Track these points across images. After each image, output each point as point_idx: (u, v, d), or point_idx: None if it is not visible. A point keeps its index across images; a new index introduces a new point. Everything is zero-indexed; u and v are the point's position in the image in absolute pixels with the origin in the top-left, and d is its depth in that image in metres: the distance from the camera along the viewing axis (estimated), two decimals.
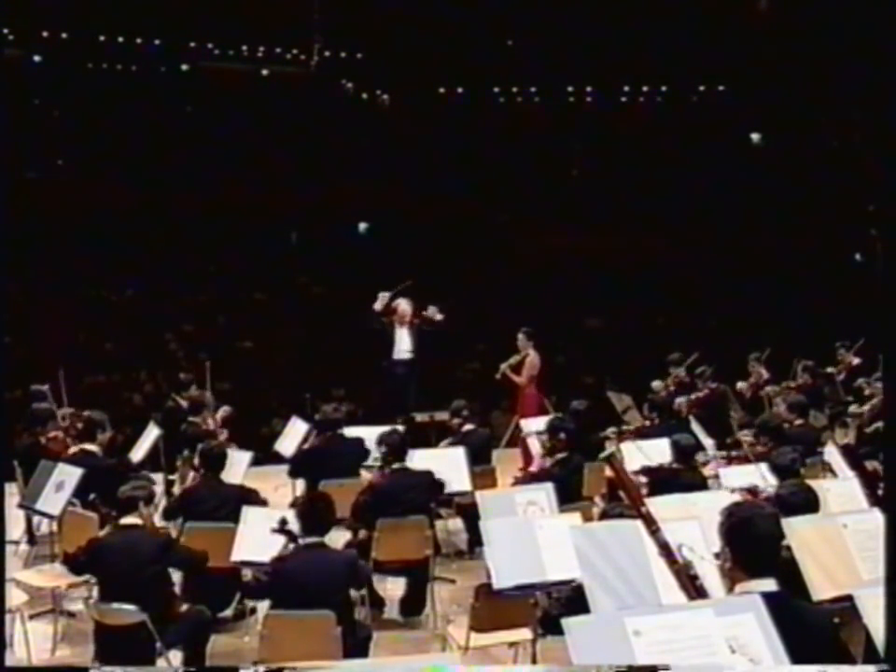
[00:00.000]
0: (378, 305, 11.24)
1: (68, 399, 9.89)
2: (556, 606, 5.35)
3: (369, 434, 8.93)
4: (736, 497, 5.44)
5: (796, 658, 3.15)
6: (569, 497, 7.07)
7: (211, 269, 20.35)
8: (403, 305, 11.32)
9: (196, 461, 7.85)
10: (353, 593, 6.17)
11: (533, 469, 8.70)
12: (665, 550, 3.74)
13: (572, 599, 4.98)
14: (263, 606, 6.26)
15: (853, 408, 10.25)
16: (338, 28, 21.38)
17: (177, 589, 6.61)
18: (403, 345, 11.22)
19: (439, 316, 11.32)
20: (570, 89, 23.25)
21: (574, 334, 19.07)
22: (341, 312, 18.97)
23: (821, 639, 3.51)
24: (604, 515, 5.45)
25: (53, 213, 19.29)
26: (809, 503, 5.36)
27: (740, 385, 12.22)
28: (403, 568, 7.46)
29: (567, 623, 3.04)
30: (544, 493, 6.50)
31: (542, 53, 21.48)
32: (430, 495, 7.83)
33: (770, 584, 3.48)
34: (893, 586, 3.85)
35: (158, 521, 7.96)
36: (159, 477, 9.60)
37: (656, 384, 11.79)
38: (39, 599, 7.14)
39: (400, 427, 9.17)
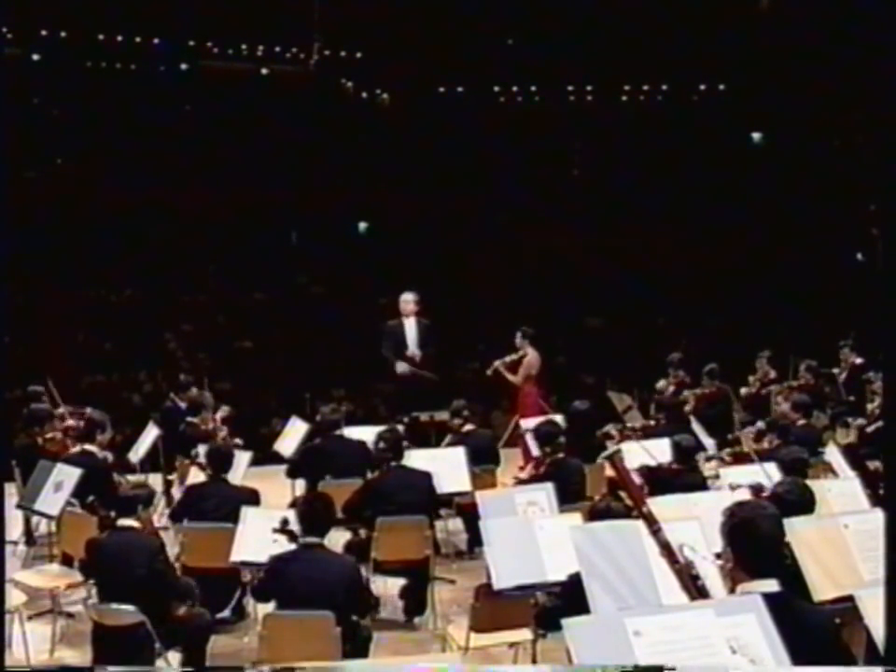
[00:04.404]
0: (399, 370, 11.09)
1: (63, 399, 9.87)
2: (552, 600, 5.34)
3: (369, 435, 8.92)
4: (738, 495, 5.43)
5: (797, 659, 3.13)
6: (567, 499, 7.04)
7: (211, 269, 20.34)
8: (407, 297, 11.20)
9: (204, 461, 7.83)
10: None
11: (524, 475, 8.66)
12: (667, 549, 3.72)
13: (566, 591, 4.97)
14: (263, 606, 6.25)
15: (870, 406, 10.23)
16: (338, 27, 21.33)
17: None
18: (411, 339, 11.12)
19: (417, 352, 11.13)
20: (570, 88, 23.22)
21: (574, 334, 19.06)
22: (340, 312, 18.99)
23: (822, 640, 3.49)
24: (592, 510, 5.45)
25: (52, 212, 19.28)
26: (805, 501, 5.35)
27: (751, 380, 12.24)
28: (403, 568, 7.43)
29: (567, 623, 3.02)
30: (544, 493, 6.49)
31: (542, 53, 21.45)
32: (428, 496, 7.80)
33: (772, 585, 3.46)
34: (894, 587, 3.83)
35: (162, 522, 7.97)
36: (157, 477, 9.60)
37: (660, 384, 11.77)
38: (38, 600, 7.12)
39: (400, 427, 9.16)
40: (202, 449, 8.39)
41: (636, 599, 3.86)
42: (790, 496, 5.30)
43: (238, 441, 9.76)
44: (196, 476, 8.19)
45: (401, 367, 10.92)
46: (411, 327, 11.10)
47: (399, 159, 21.99)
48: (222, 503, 7.18)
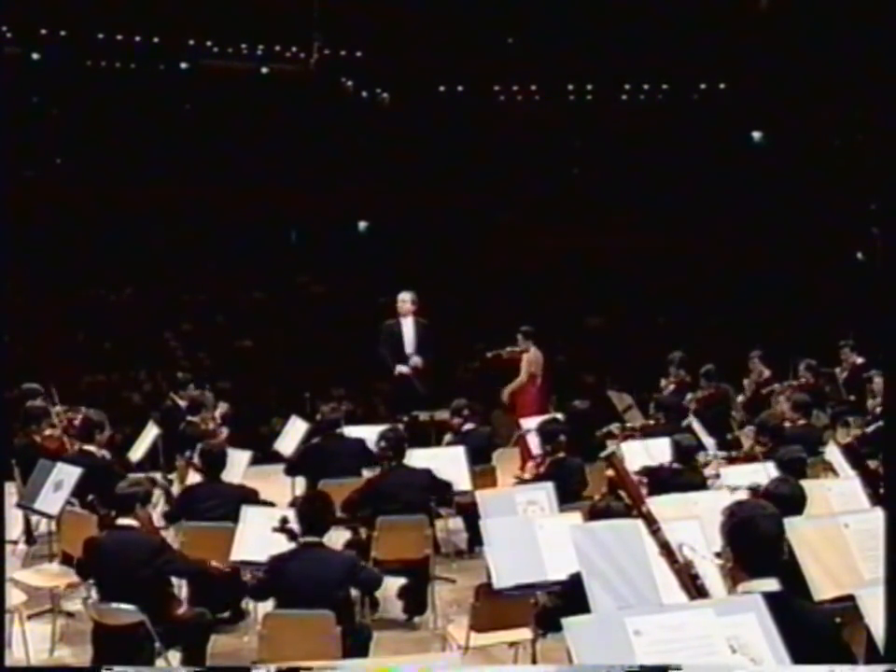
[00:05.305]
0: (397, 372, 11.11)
1: (62, 399, 9.85)
2: (552, 600, 5.34)
3: (369, 434, 8.91)
4: (737, 497, 5.42)
5: (797, 658, 3.13)
6: (567, 499, 7.04)
7: (211, 268, 20.33)
8: (403, 296, 11.18)
9: (197, 461, 7.83)
10: (353, 592, 6.14)
11: (526, 475, 8.66)
12: (666, 549, 3.72)
13: (566, 591, 4.97)
14: (263, 606, 6.25)
15: (871, 402, 10.23)
16: (338, 26, 21.33)
17: (177, 590, 6.60)
18: (408, 339, 11.10)
19: (418, 359, 11.09)
20: (571, 87, 23.22)
21: (575, 333, 19.05)
22: (340, 311, 18.99)
23: (823, 639, 3.49)
24: (593, 509, 5.45)
25: (52, 212, 19.27)
26: (795, 497, 5.34)
27: (746, 383, 12.22)
28: (403, 568, 7.43)
29: (568, 622, 3.02)
30: (544, 492, 6.49)
31: (543, 51, 21.45)
32: (428, 494, 7.80)
33: (772, 584, 3.46)
34: (894, 586, 3.83)
35: (158, 522, 7.96)
36: (157, 477, 9.59)
37: (664, 383, 11.76)
38: (37, 599, 7.11)
39: (401, 426, 9.15)
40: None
41: (636, 599, 3.85)
42: (778, 490, 5.29)
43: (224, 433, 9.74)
44: (196, 476, 8.18)
45: (399, 368, 10.92)
46: (408, 327, 11.06)
47: (399, 158, 21.98)
48: (219, 504, 7.18)
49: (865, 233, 19.05)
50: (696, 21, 20.41)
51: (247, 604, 7.13)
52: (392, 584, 7.66)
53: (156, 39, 21.61)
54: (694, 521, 4.62)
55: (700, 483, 7.31)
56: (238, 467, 8.26)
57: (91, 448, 8.17)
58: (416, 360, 10.91)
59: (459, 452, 8.51)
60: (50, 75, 21.03)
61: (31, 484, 7.65)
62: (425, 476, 7.82)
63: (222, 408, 10.56)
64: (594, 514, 5.34)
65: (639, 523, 3.90)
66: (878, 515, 4.81)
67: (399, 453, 7.87)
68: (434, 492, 7.89)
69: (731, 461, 8.18)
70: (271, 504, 7.36)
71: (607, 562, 3.91)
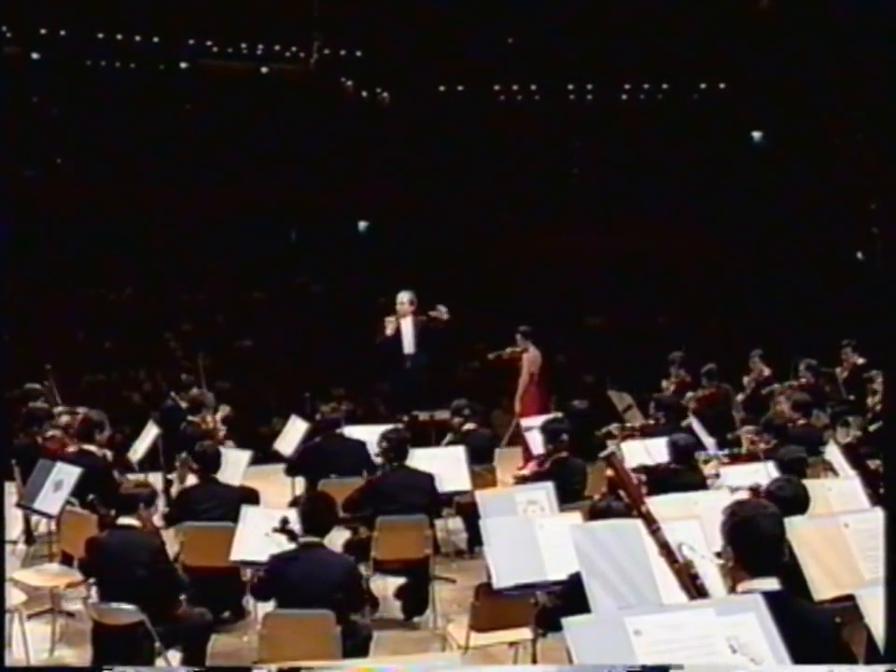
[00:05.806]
0: (389, 331, 11.17)
1: (62, 398, 9.86)
2: (552, 600, 5.34)
3: (369, 434, 8.91)
4: (738, 496, 5.42)
5: (797, 658, 3.13)
6: (568, 498, 7.03)
7: (210, 268, 20.34)
8: (402, 296, 11.23)
9: (192, 462, 7.84)
10: None
11: (526, 472, 8.67)
12: (666, 549, 3.72)
13: (566, 591, 4.97)
14: (263, 606, 6.25)
15: (871, 400, 10.24)
16: (337, 26, 21.34)
17: None
18: (408, 338, 11.14)
19: (446, 316, 11.19)
20: (571, 87, 23.22)
21: (575, 333, 19.04)
22: (340, 311, 18.99)
23: (823, 639, 3.49)
24: (593, 509, 5.45)
25: (51, 211, 19.27)
26: (798, 498, 5.34)
27: (745, 380, 12.22)
28: (403, 568, 7.43)
29: (568, 622, 3.02)
30: (544, 492, 6.49)
31: (543, 51, 21.45)
32: (430, 497, 7.80)
33: (772, 584, 3.46)
34: (894, 586, 3.83)
35: (157, 522, 7.97)
36: (157, 476, 9.60)
37: (665, 384, 11.77)
38: (38, 599, 7.11)
39: (402, 427, 9.15)
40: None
41: (636, 599, 3.86)
42: (781, 492, 5.29)
43: (230, 442, 9.74)
44: (194, 477, 8.19)
45: (390, 328, 11.00)
46: (408, 326, 11.12)
47: (399, 158, 21.98)
48: (216, 505, 7.19)
49: (865, 233, 19.05)
50: (696, 20, 20.40)
51: (247, 604, 7.13)
52: (393, 584, 7.67)
53: (156, 39, 21.60)
54: (694, 521, 4.62)
55: (700, 483, 7.31)
56: (238, 467, 8.26)
57: (92, 448, 8.17)
58: (441, 310, 10.97)
59: (459, 452, 8.52)
60: (50, 75, 21.03)
61: (31, 484, 7.66)
62: (426, 480, 7.82)
63: (224, 410, 10.55)
64: (594, 514, 5.34)
65: (639, 523, 3.90)
66: (878, 515, 4.82)
67: (400, 454, 7.87)
68: (431, 499, 7.89)
69: (732, 460, 8.18)
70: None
71: (607, 562, 3.92)
